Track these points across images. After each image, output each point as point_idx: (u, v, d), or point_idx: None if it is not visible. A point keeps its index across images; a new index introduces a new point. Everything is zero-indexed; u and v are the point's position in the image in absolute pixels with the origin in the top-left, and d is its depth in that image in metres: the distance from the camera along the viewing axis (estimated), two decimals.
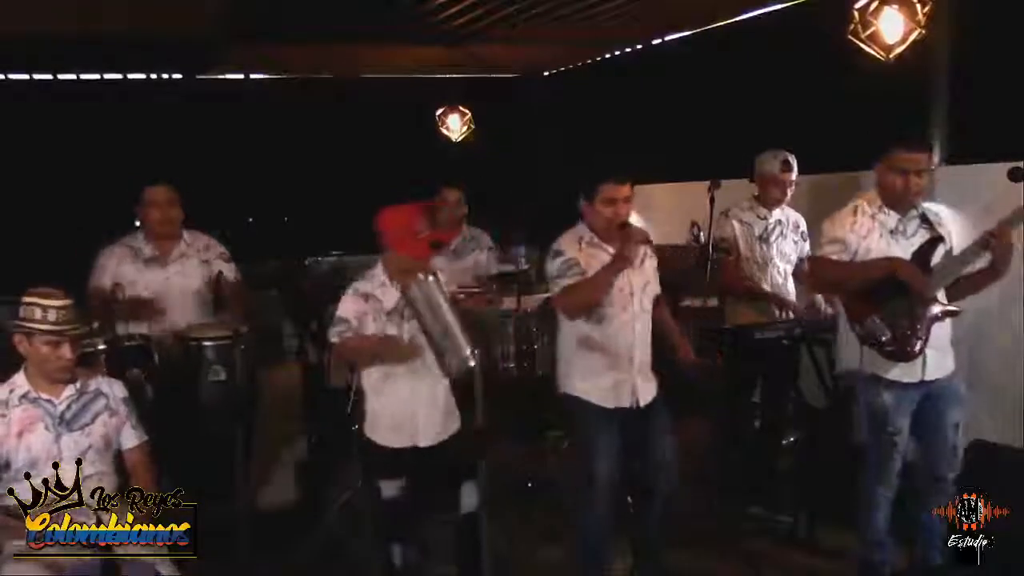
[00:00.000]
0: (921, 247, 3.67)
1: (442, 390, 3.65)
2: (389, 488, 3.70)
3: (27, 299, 3.17)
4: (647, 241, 3.71)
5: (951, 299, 3.70)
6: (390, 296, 3.63)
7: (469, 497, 3.65)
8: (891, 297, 3.61)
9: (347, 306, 3.64)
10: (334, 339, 3.65)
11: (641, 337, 3.72)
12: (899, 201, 3.70)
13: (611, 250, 3.67)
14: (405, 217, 3.64)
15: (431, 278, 3.39)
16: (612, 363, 3.68)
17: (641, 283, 3.73)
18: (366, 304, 3.61)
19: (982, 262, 3.58)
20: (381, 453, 3.67)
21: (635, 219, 3.94)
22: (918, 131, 4.68)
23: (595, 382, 3.70)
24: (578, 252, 3.71)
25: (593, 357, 3.71)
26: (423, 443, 3.64)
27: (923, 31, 4.61)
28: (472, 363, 3.27)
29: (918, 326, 3.60)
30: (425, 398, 3.63)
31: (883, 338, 3.61)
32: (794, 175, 4.84)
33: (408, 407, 3.64)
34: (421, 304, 3.34)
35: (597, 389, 3.70)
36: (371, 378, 3.69)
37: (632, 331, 3.69)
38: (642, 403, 3.70)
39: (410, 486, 3.70)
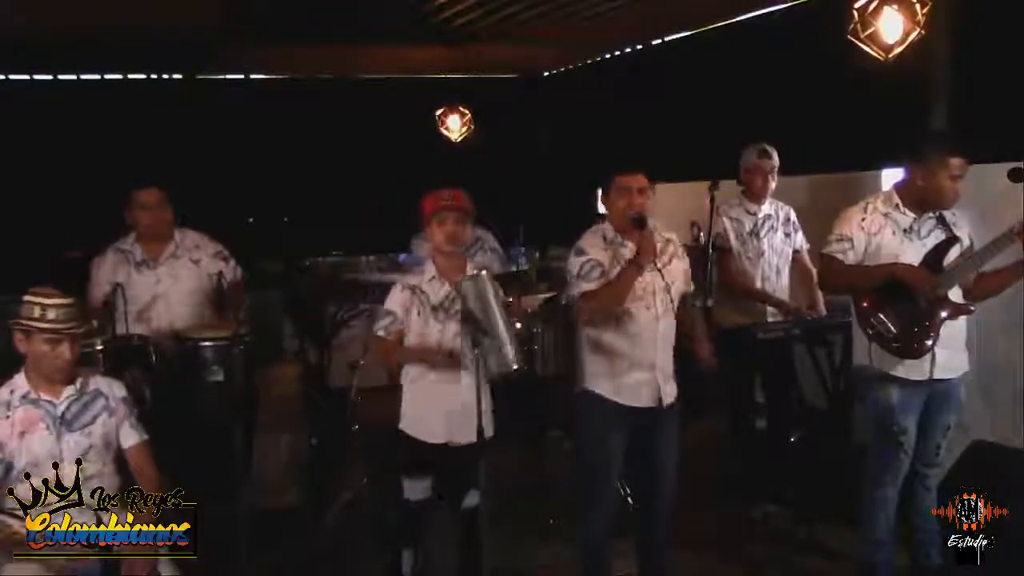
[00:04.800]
0: (935, 247, 3.66)
1: (485, 388, 3.56)
2: (412, 489, 3.66)
3: (27, 298, 3.17)
4: (652, 253, 3.57)
5: (973, 299, 3.69)
6: (437, 291, 3.61)
7: (472, 496, 3.63)
8: (899, 295, 3.60)
9: (394, 299, 3.63)
10: (379, 332, 3.63)
11: (664, 336, 3.65)
12: (935, 204, 3.67)
13: (632, 247, 3.63)
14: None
15: (484, 273, 3.37)
16: (635, 362, 3.63)
17: (664, 283, 3.63)
18: (412, 297, 3.59)
19: (999, 260, 3.57)
20: (416, 448, 3.64)
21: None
22: (941, 134, 4.68)
23: (620, 380, 3.65)
24: (602, 251, 3.66)
25: (616, 355, 3.66)
26: (462, 440, 3.57)
27: (922, 31, 4.61)
28: (515, 367, 3.25)
29: (927, 324, 3.59)
30: (469, 394, 3.56)
31: (888, 334, 3.61)
32: (774, 163, 4.82)
33: (452, 402, 3.59)
34: (472, 300, 3.30)
35: (621, 387, 3.65)
36: (412, 372, 3.68)
37: (655, 330, 3.63)
38: (665, 403, 3.65)
39: (435, 486, 3.67)
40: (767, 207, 4.91)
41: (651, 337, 3.63)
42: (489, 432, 3.53)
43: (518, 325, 3.53)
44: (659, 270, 3.61)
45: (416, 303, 3.59)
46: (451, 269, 3.64)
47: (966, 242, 3.70)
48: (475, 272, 3.41)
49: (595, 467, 3.72)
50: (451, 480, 3.65)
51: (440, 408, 3.61)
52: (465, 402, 3.52)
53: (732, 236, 4.84)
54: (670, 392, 3.68)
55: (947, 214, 3.71)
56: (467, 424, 3.50)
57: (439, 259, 3.68)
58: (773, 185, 4.86)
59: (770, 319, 4.78)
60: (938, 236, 3.68)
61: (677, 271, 3.72)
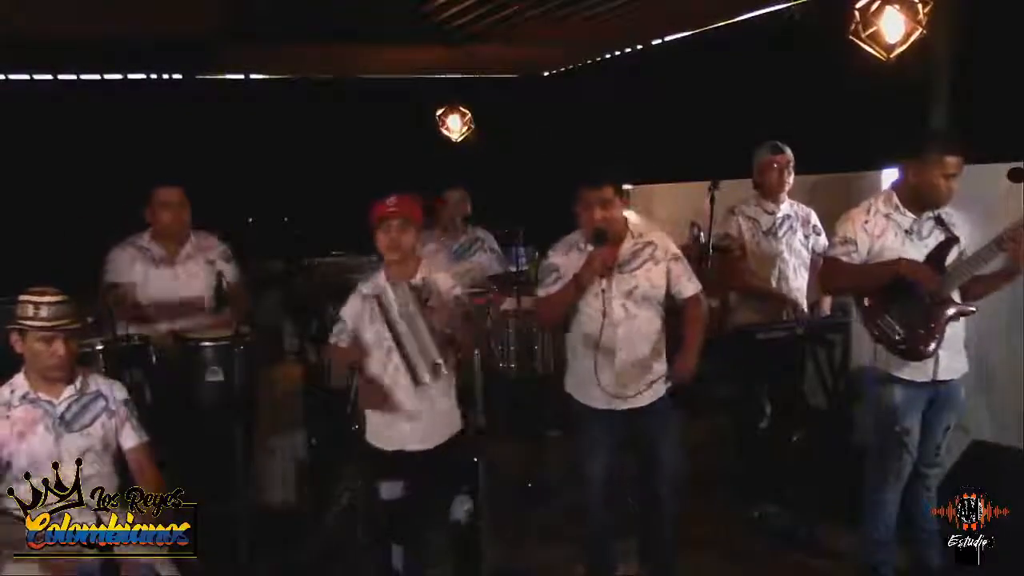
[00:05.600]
0: (937, 248, 3.66)
1: (438, 393, 3.61)
2: (388, 489, 3.70)
3: (22, 297, 3.17)
4: (597, 270, 3.58)
5: (966, 300, 3.69)
6: (388, 296, 3.63)
7: (460, 506, 3.65)
8: (904, 296, 3.60)
9: (347, 307, 3.67)
10: (332, 340, 3.71)
11: (625, 341, 3.64)
12: (929, 202, 3.68)
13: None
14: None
15: (406, 285, 3.41)
16: (593, 365, 3.65)
17: (626, 288, 3.64)
18: (363, 304, 3.61)
19: (996, 263, 3.57)
20: (377, 455, 3.67)
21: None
22: (937, 132, 4.67)
23: (583, 382, 3.71)
24: (565, 257, 3.71)
25: (579, 358, 3.73)
26: (414, 447, 3.61)
27: (924, 31, 4.60)
28: (430, 379, 3.30)
29: (932, 325, 3.59)
30: (419, 401, 3.58)
31: (896, 337, 3.60)
32: (788, 158, 4.79)
33: (407, 407, 3.62)
34: (392, 311, 3.37)
35: (585, 389, 3.71)
36: (369, 376, 3.69)
37: (611, 335, 3.63)
38: (624, 407, 3.66)
39: (410, 488, 3.69)
40: (786, 207, 4.87)
41: (607, 342, 3.63)
42: (451, 431, 3.55)
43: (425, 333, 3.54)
44: (620, 275, 3.63)
45: (367, 310, 3.60)
46: (400, 273, 3.63)
47: (964, 242, 3.70)
48: (411, 284, 3.44)
49: (580, 468, 3.74)
50: (432, 487, 3.66)
51: (391, 415, 3.62)
52: (420, 406, 3.53)
53: (748, 236, 4.81)
54: (634, 397, 3.66)
55: (943, 213, 3.72)
56: (422, 430, 3.53)
57: (388, 264, 3.67)
58: (790, 180, 4.82)
59: (782, 320, 4.77)
60: (938, 236, 3.68)
61: (649, 275, 3.69)
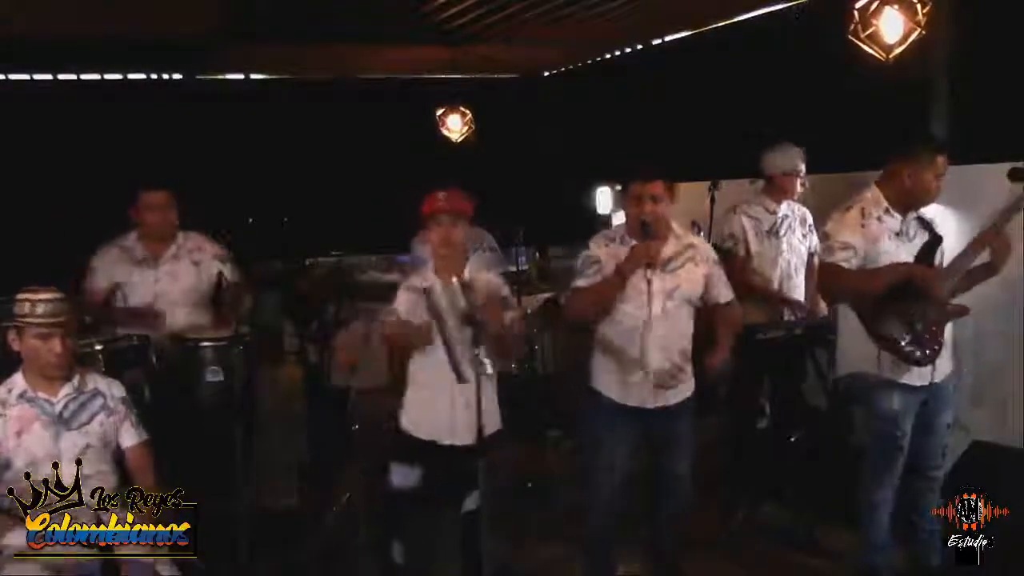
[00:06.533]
0: (924, 249, 3.66)
1: (487, 388, 3.58)
2: (399, 476, 3.68)
3: (18, 295, 3.17)
4: (639, 263, 3.56)
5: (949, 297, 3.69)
6: (437, 290, 3.65)
7: (472, 496, 3.65)
8: (907, 301, 3.57)
9: (399, 300, 3.68)
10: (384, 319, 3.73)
11: (660, 341, 3.61)
12: (918, 203, 3.68)
13: None
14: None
15: (455, 282, 3.40)
16: (625, 362, 3.63)
17: (668, 287, 3.62)
18: (417, 299, 3.61)
19: (980, 259, 3.58)
20: (413, 444, 3.66)
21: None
22: (929, 133, 4.67)
23: (615, 378, 3.67)
24: (604, 249, 3.66)
25: (609, 353, 3.68)
26: (458, 441, 3.60)
27: (923, 31, 4.60)
28: (489, 371, 3.27)
29: (934, 329, 3.58)
30: (468, 395, 3.56)
31: (903, 343, 3.58)
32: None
33: (456, 402, 3.61)
34: (444, 309, 3.35)
35: (613, 384, 3.67)
36: (415, 367, 3.70)
37: (646, 334, 3.60)
38: (653, 406, 3.64)
39: (426, 481, 3.69)
40: (785, 207, 4.90)
41: (642, 340, 3.61)
42: (492, 428, 3.55)
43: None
44: (663, 274, 3.60)
45: (421, 304, 3.60)
46: (449, 269, 3.65)
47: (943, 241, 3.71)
48: (460, 280, 3.45)
49: (592, 464, 3.72)
50: (452, 481, 3.66)
51: (445, 408, 3.62)
52: (467, 401, 3.53)
53: (751, 236, 4.84)
54: (666, 396, 3.65)
55: (923, 213, 3.73)
56: (470, 423, 3.51)
57: (437, 259, 3.70)
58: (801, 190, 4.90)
59: (782, 319, 4.77)
60: (922, 237, 3.69)
61: (691, 276, 3.68)
